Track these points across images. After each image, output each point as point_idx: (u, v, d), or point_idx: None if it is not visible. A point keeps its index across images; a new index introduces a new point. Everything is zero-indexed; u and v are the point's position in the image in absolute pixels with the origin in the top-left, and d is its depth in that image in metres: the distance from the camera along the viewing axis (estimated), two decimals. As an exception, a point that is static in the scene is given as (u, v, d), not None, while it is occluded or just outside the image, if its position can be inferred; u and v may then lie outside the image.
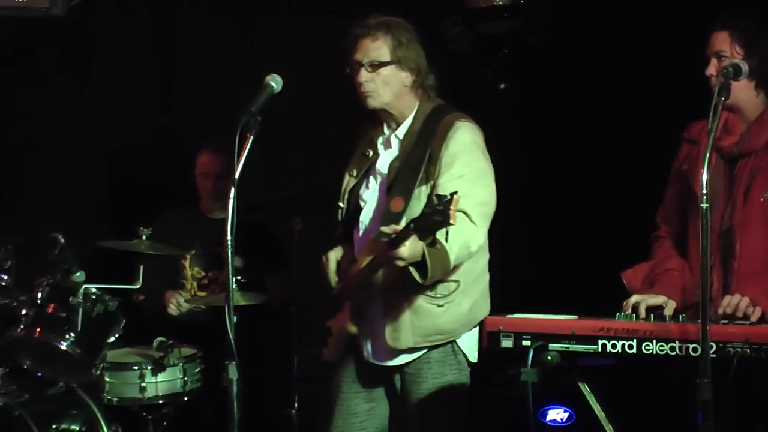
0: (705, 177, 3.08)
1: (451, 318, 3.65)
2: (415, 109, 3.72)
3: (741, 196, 3.46)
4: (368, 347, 3.74)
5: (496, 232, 5.02)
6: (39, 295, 4.51)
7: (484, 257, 3.77)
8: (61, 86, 5.82)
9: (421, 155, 3.62)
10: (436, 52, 4.97)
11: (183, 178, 5.38)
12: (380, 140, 3.77)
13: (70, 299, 4.47)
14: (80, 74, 5.81)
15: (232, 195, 3.29)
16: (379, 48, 3.64)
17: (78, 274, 4.49)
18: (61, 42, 5.72)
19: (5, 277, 4.64)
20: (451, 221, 3.12)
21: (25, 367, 4.63)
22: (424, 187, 3.60)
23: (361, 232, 3.75)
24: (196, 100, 5.65)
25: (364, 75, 3.65)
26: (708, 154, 3.10)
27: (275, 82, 3.53)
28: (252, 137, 3.40)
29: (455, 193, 3.13)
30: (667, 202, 3.71)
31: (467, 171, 3.56)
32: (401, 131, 3.72)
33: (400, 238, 3.29)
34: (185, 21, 5.67)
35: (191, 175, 5.21)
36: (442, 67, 5.01)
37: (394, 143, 3.74)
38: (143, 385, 4.69)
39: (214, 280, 5.05)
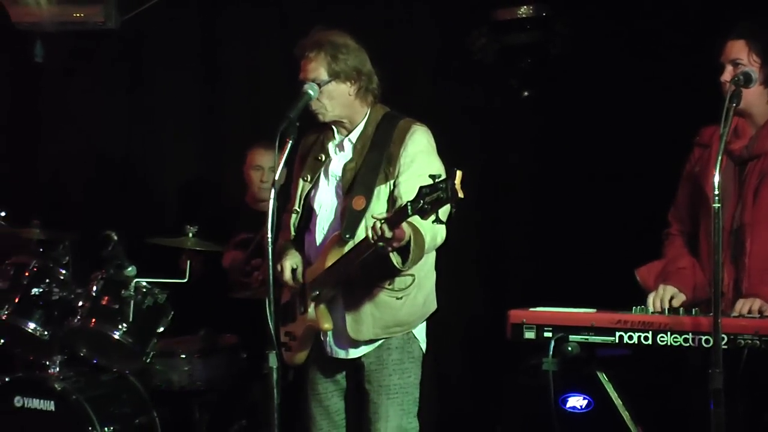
0: (717, 179, 3.06)
1: (409, 310, 3.60)
2: (367, 115, 3.66)
3: (750, 196, 3.43)
4: (330, 342, 3.65)
5: (522, 232, 5.04)
6: (94, 288, 4.55)
7: (434, 255, 3.70)
8: (114, 91, 5.86)
9: (379, 157, 3.56)
10: (463, 62, 5.04)
11: (228, 175, 5.40)
12: (332, 144, 3.70)
13: (123, 292, 4.50)
14: (132, 79, 5.85)
15: (272, 195, 3.30)
16: (315, 68, 3.57)
17: (130, 268, 4.52)
18: (114, 50, 5.76)
19: (63, 272, 4.68)
20: (460, 195, 3.02)
21: (82, 355, 4.67)
22: (383, 186, 3.54)
23: (318, 233, 3.66)
24: (239, 101, 5.65)
25: None
26: (720, 157, 3.08)
27: (312, 90, 3.55)
28: (291, 141, 3.42)
29: (457, 169, 3.05)
30: (679, 202, 3.68)
31: (427, 170, 3.33)
32: (354, 135, 3.66)
33: (396, 219, 3.21)
34: (229, 26, 5.67)
35: (237, 171, 5.20)
36: (469, 77, 5.07)
37: (348, 147, 3.67)
38: (190, 372, 4.71)
39: (256, 267, 5.04)
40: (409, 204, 3.14)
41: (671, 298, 3.42)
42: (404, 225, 3.25)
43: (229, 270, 5.09)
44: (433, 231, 3.40)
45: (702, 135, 3.61)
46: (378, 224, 3.22)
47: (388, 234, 3.21)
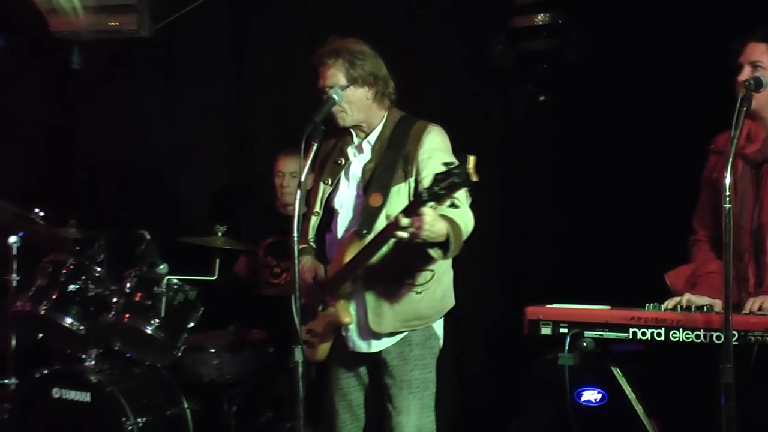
0: (728, 180, 3.04)
1: (428, 304, 3.59)
2: (384, 118, 3.67)
3: (767, 197, 3.41)
4: (351, 336, 3.64)
5: (538, 232, 5.02)
6: (127, 285, 4.57)
7: None
8: (148, 95, 5.89)
9: (395, 156, 3.57)
10: (481, 68, 5.03)
11: (257, 178, 5.40)
12: (351, 148, 3.70)
13: (155, 289, 4.52)
14: (165, 84, 5.88)
15: (298, 196, 3.30)
16: (334, 75, 3.57)
17: (162, 266, 4.54)
18: (147, 57, 5.79)
19: (99, 269, 4.71)
20: (473, 178, 3.04)
21: (116, 348, 4.69)
22: (402, 185, 3.54)
23: (339, 231, 3.65)
24: (269, 106, 5.66)
25: None
26: (731, 159, 3.06)
27: (337, 94, 3.55)
28: (316, 144, 3.42)
29: (468, 155, 3.05)
30: (701, 209, 3.65)
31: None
32: (373, 137, 3.67)
33: (413, 207, 3.21)
34: (259, 34, 5.68)
35: (267, 175, 5.20)
36: (487, 82, 5.06)
37: (366, 148, 3.67)
38: (219, 365, 4.72)
39: (286, 269, 5.04)
40: (424, 190, 3.16)
41: (708, 307, 3.36)
42: (439, 218, 3.26)
43: (237, 274, 5.11)
44: (464, 219, 3.40)
45: (716, 142, 3.59)
46: (394, 216, 3.25)
47: (403, 222, 3.21)
